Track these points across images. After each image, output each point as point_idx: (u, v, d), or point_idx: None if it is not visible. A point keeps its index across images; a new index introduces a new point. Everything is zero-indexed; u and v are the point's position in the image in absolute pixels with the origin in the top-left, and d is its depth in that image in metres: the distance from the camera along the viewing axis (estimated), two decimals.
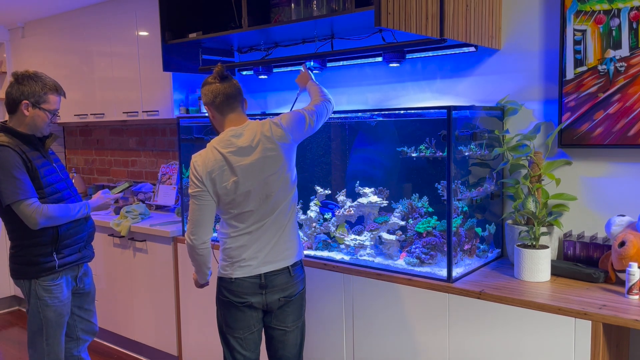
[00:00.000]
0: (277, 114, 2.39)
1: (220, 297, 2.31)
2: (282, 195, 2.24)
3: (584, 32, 2.38)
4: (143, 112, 3.96)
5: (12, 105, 2.50)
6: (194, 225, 2.21)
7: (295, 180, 2.32)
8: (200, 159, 2.19)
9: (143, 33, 3.89)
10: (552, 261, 2.34)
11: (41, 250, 2.51)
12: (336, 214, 2.85)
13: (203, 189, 2.17)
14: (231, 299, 2.25)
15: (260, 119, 2.28)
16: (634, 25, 2.26)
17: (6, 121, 2.55)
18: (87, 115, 4.41)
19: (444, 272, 2.35)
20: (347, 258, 2.69)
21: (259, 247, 2.23)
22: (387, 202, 2.77)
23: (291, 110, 2.63)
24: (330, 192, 2.98)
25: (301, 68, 2.81)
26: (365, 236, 2.71)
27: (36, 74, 2.52)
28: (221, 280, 2.29)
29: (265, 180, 2.19)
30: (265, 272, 2.24)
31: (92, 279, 2.81)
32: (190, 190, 2.20)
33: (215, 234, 2.47)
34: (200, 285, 2.44)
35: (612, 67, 2.32)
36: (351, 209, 2.78)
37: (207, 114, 3.67)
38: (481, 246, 2.63)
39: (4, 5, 4.41)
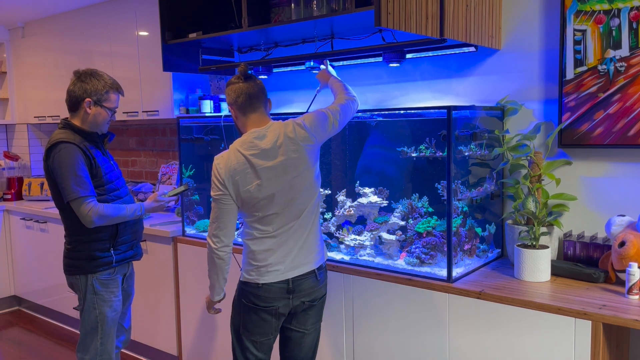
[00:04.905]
0: (277, 114, 2.38)
1: (243, 301, 2.23)
2: (307, 198, 2.19)
3: (584, 32, 2.38)
4: (143, 112, 3.95)
5: (75, 103, 2.52)
6: (216, 228, 2.16)
7: (319, 181, 2.27)
8: (222, 162, 2.14)
9: (143, 33, 3.88)
10: (552, 261, 2.34)
11: (100, 246, 2.54)
12: (336, 214, 2.85)
13: (225, 192, 2.13)
14: (258, 304, 2.19)
15: (283, 119, 2.24)
16: (634, 25, 2.26)
17: (67, 118, 2.57)
18: None
19: (444, 272, 2.35)
20: (347, 258, 2.69)
21: (285, 251, 2.18)
22: (387, 202, 2.77)
23: (309, 107, 2.59)
24: (330, 192, 2.98)
25: (322, 65, 2.74)
26: (365, 236, 2.71)
27: (97, 72, 2.55)
28: (246, 285, 2.22)
29: (290, 182, 2.14)
30: (293, 277, 2.19)
31: (134, 281, 2.83)
32: (212, 193, 2.16)
33: (239, 238, 2.40)
34: (213, 305, 2.35)
35: (612, 67, 2.32)
36: (351, 209, 2.78)
37: (206, 114, 3.68)
38: (481, 246, 2.63)
39: (4, 5, 4.41)
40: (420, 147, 2.63)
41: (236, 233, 2.39)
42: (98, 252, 2.54)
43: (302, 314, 2.28)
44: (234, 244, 2.27)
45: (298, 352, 2.34)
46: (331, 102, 2.42)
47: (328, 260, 2.66)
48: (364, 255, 2.65)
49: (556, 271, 2.33)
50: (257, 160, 2.12)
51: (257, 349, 2.26)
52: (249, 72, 2.25)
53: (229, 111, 2.27)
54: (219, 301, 2.34)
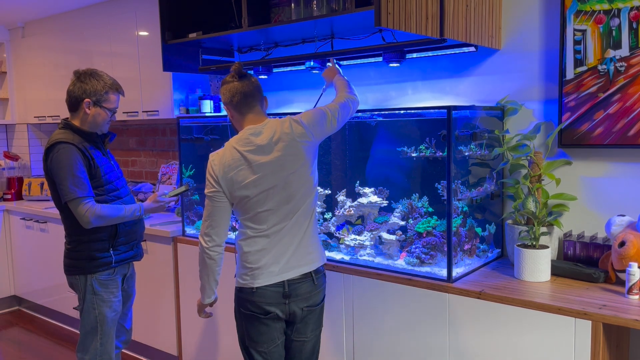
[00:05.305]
0: (277, 114, 2.38)
1: (241, 310, 2.18)
2: (303, 196, 2.15)
3: (584, 32, 2.38)
4: (143, 112, 3.96)
5: (74, 104, 2.52)
6: (208, 226, 2.13)
7: (316, 180, 2.23)
8: (217, 158, 2.12)
9: (143, 33, 3.89)
10: (552, 261, 2.34)
11: (99, 246, 2.54)
12: (336, 213, 2.85)
13: (218, 189, 2.11)
14: (254, 312, 2.14)
15: (279, 117, 2.22)
16: (634, 25, 2.26)
17: (68, 118, 2.57)
18: None
19: (444, 272, 2.35)
20: (347, 258, 2.69)
21: (280, 252, 2.13)
22: (387, 202, 2.77)
23: (315, 105, 2.57)
24: (330, 192, 2.98)
25: (328, 63, 2.70)
26: (365, 236, 2.71)
27: (96, 72, 2.54)
28: (241, 292, 2.17)
29: (286, 179, 2.10)
30: (289, 280, 2.13)
31: (135, 282, 2.82)
32: (205, 191, 2.14)
33: (232, 235, 2.36)
34: (204, 308, 2.31)
35: (612, 67, 2.32)
36: (351, 209, 2.78)
37: (206, 114, 3.67)
38: (481, 246, 2.63)
39: (4, 5, 4.41)
40: (420, 147, 2.63)
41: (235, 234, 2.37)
42: (97, 252, 2.53)
43: (302, 323, 2.22)
44: (228, 242, 2.23)
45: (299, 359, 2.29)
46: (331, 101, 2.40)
47: (328, 260, 2.64)
48: (364, 255, 2.65)
49: (556, 271, 2.33)
50: (252, 156, 2.09)
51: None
52: (246, 70, 2.21)
53: (225, 111, 2.24)
54: (210, 304, 2.29)
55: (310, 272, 2.19)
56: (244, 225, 2.17)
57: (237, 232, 2.23)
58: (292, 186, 2.12)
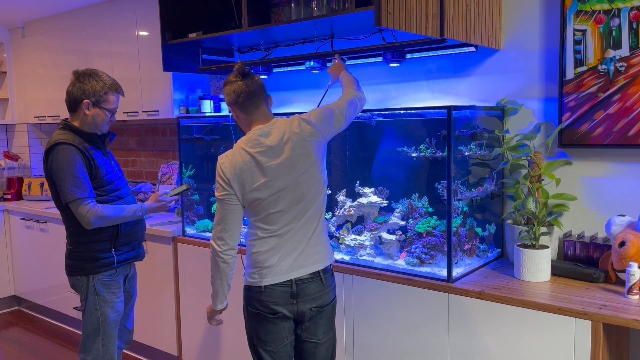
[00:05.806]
0: (277, 114, 2.38)
1: (249, 309, 2.16)
2: (314, 196, 2.13)
3: (584, 32, 2.38)
4: (143, 112, 3.96)
5: (73, 104, 2.51)
6: (221, 230, 2.09)
7: (326, 179, 2.20)
8: (227, 161, 2.08)
9: (143, 33, 3.89)
10: (552, 261, 2.34)
11: (101, 247, 2.53)
12: (336, 213, 2.85)
13: (230, 191, 2.07)
14: (262, 311, 2.12)
15: (287, 117, 2.18)
16: (634, 25, 2.26)
17: (67, 118, 2.56)
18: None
19: (444, 272, 2.35)
20: (347, 258, 2.69)
21: (288, 250, 2.11)
22: (387, 202, 2.77)
23: (320, 101, 2.53)
24: (330, 191, 2.98)
25: (334, 59, 2.69)
26: (365, 236, 2.71)
27: (96, 73, 2.53)
28: (249, 290, 2.15)
29: (296, 179, 2.08)
30: (297, 279, 2.11)
31: (136, 282, 2.82)
32: (216, 194, 2.10)
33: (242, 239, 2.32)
34: (215, 315, 2.26)
35: (612, 67, 2.32)
36: (351, 209, 2.78)
37: (206, 114, 3.66)
38: (481, 246, 2.63)
39: (4, 5, 4.41)
40: (420, 147, 2.63)
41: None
42: (99, 252, 2.53)
43: (311, 323, 2.18)
44: (240, 245, 2.21)
45: None
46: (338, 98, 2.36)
47: None
48: (364, 255, 2.65)
49: (556, 271, 2.33)
50: (262, 158, 2.06)
51: None
52: (248, 69, 2.19)
53: (229, 111, 2.21)
54: (221, 311, 2.26)
55: (319, 272, 2.16)
56: (254, 226, 2.14)
57: (246, 232, 2.21)
58: (303, 186, 2.10)
